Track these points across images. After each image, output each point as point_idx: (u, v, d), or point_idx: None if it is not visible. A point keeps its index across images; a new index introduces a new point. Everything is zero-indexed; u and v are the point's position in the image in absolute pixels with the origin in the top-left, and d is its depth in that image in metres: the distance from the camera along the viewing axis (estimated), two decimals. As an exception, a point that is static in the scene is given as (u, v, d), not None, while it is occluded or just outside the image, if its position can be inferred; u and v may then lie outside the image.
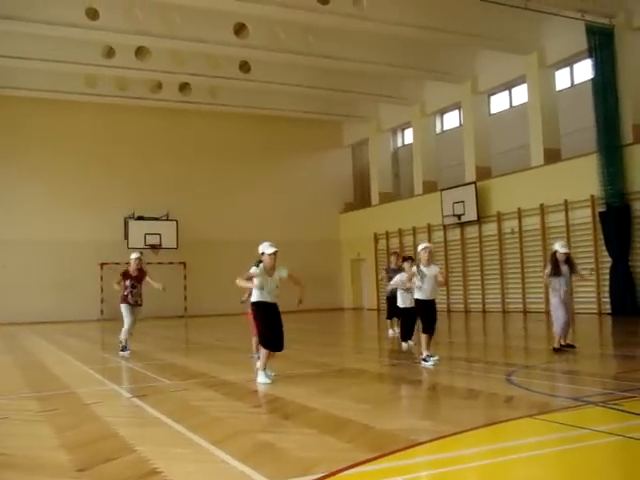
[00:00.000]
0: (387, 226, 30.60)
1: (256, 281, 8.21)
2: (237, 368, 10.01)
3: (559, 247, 11.11)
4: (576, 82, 24.08)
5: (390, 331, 14.69)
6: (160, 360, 11.53)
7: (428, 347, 9.51)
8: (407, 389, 7.72)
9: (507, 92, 27.07)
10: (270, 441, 5.20)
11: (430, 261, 9.72)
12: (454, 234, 26.79)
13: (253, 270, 8.28)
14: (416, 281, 9.67)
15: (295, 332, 10.15)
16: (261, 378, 8.36)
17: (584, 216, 21.49)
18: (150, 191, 29.68)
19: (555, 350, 10.58)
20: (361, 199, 34.61)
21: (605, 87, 20.56)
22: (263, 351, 8.47)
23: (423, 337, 9.62)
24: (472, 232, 25.94)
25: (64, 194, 28.65)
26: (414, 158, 29.99)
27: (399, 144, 33.79)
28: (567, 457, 4.60)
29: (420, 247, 9.95)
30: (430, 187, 28.75)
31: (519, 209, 23.56)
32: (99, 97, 27.27)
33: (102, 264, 28.19)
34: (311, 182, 33.73)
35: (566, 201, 21.91)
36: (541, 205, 22.80)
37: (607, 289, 20.61)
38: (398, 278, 11.51)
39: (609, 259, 20.45)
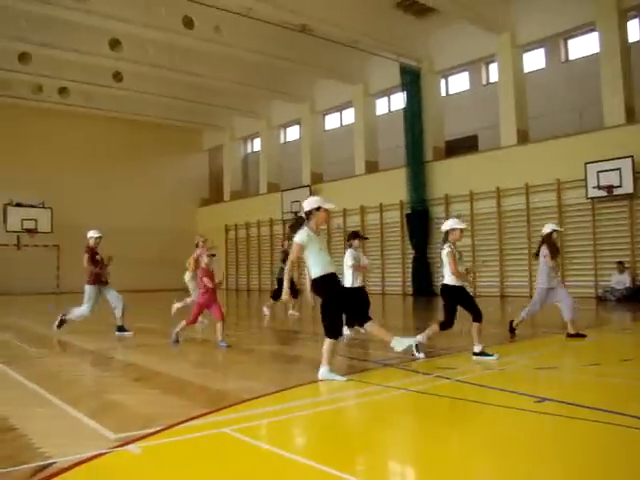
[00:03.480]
0: (236, 219, 30.52)
1: None
2: (97, 338, 9.60)
3: (556, 227, 8.52)
4: (392, 109, 25.26)
5: (291, 311, 13.14)
6: (32, 332, 10.84)
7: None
8: (241, 356, 7.77)
9: (338, 113, 27.85)
10: (118, 400, 5.07)
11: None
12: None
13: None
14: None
15: (150, 308, 9.87)
16: (326, 373, 5.72)
17: (394, 217, 22.59)
18: (27, 181, 27.94)
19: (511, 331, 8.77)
20: (215, 195, 34.25)
21: (413, 115, 21.71)
22: (327, 341, 5.74)
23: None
24: (307, 227, 26.32)
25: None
26: (261, 163, 30.12)
27: (249, 150, 33.82)
28: (365, 408, 4.88)
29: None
30: (273, 188, 28.99)
31: (344, 209, 24.31)
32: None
33: (-23, 246, 26.07)
34: (173, 180, 33.05)
35: (381, 204, 22.90)
36: (361, 207, 23.67)
37: (410, 275, 21.84)
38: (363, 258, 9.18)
39: (412, 252, 21.65)
